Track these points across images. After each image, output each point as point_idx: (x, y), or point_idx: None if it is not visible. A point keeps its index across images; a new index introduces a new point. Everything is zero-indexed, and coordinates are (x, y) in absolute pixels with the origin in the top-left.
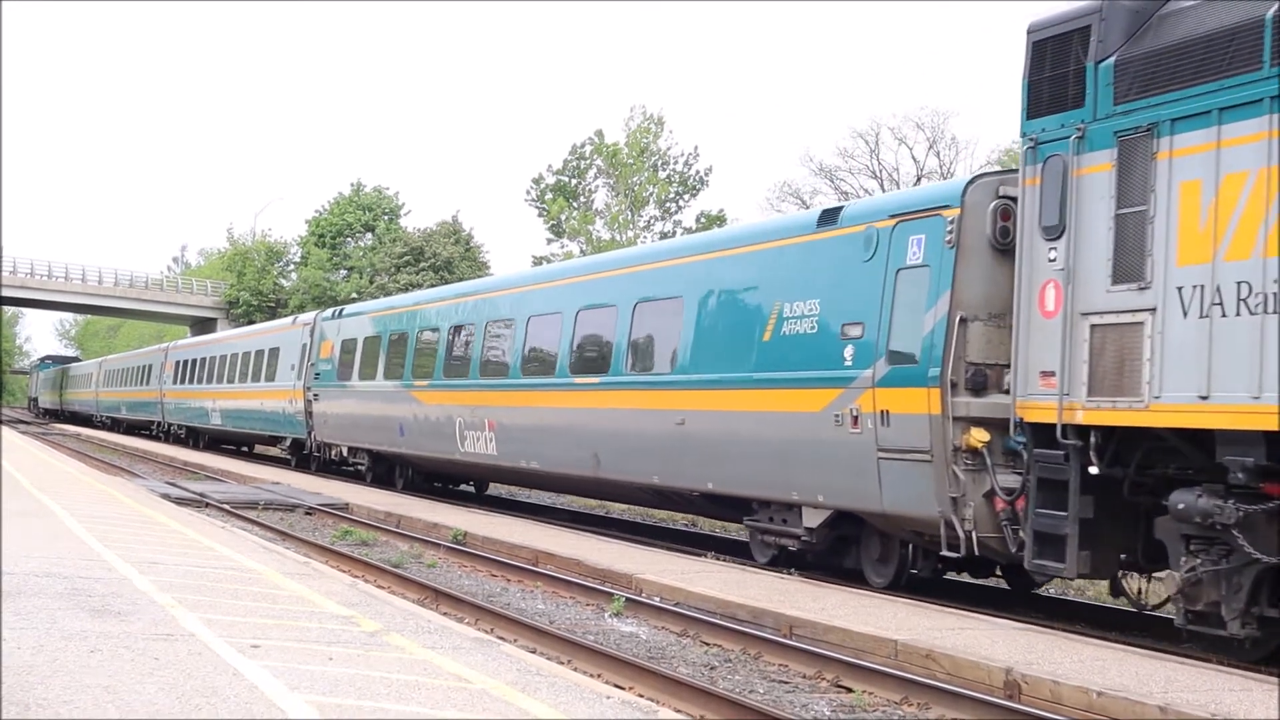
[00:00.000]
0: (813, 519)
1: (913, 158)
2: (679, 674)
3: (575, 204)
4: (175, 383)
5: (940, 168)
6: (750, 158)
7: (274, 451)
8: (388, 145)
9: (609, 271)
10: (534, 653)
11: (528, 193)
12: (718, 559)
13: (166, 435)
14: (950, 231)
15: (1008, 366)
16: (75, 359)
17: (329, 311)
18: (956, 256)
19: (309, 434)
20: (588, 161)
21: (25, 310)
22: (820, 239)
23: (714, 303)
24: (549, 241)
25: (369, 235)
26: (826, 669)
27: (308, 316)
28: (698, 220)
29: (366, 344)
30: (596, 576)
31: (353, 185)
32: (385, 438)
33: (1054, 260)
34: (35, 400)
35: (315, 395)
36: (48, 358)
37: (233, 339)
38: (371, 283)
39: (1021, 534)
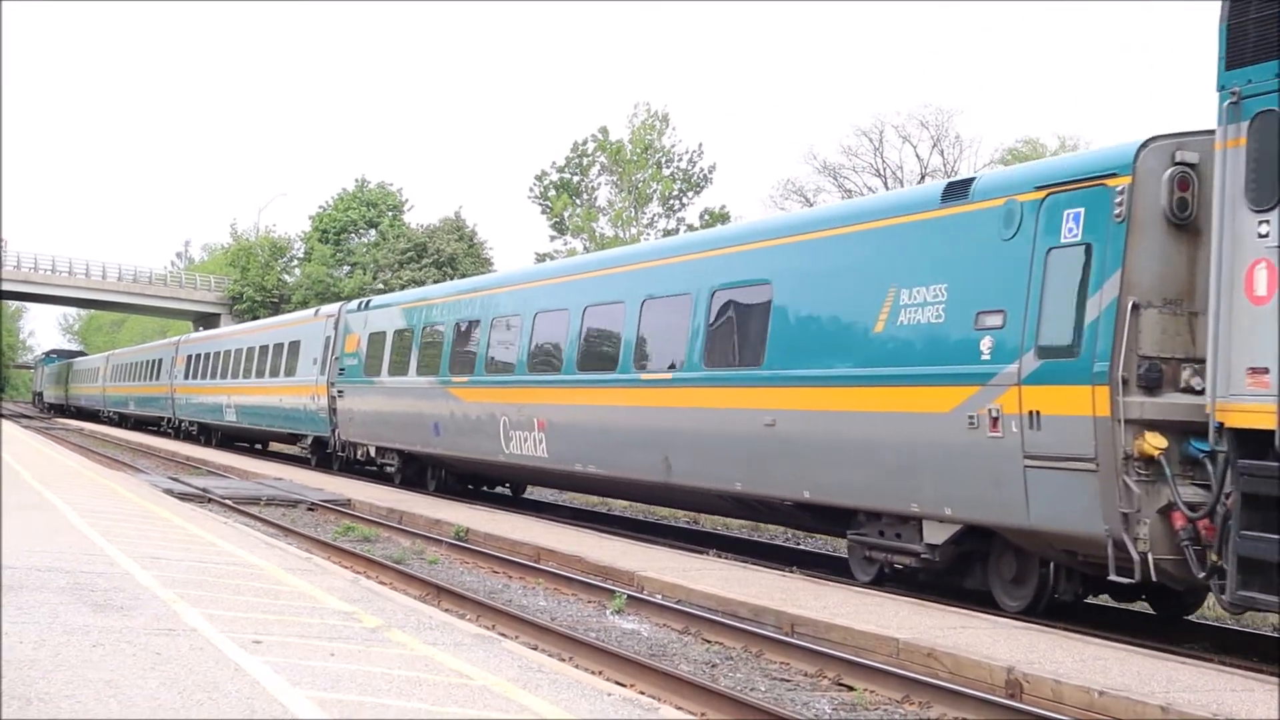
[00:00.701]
0: (936, 534)
1: (916, 156)
2: (680, 671)
3: (579, 201)
4: (187, 377)
5: (944, 166)
6: (754, 155)
7: (292, 450)
8: (392, 141)
9: (680, 256)
10: (535, 650)
11: (531, 189)
12: (719, 556)
13: (177, 432)
14: (1119, 204)
15: (1186, 361)
16: (81, 353)
17: (354, 303)
18: (1128, 232)
19: (332, 432)
20: (591, 158)
21: (28, 305)
22: (947, 215)
23: (811, 290)
24: (552, 239)
25: (372, 231)
26: (828, 667)
27: (331, 308)
28: (701, 217)
29: (397, 337)
30: (598, 573)
31: (357, 181)
32: (418, 437)
33: (1265, 236)
34: (40, 395)
35: (340, 391)
36: (53, 352)
37: (249, 332)
38: (374, 279)
39: (1211, 556)
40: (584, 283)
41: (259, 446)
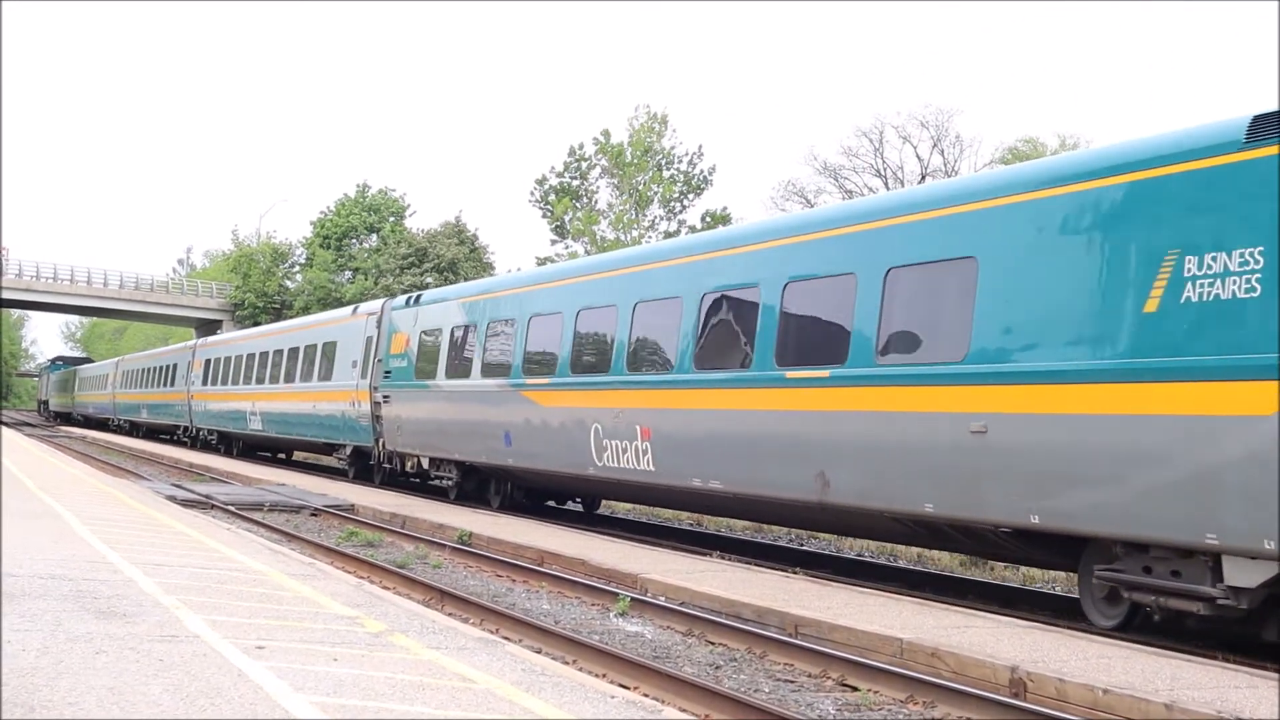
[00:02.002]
0: (1244, 574)
1: (916, 156)
2: (684, 673)
3: (579, 204)
4: (205, 383)
5: (945, 166)
6: (754, 157)
7: (327, 461)
8: (392, 146)
9: (835, 230)
10: (539, 653)
11: (532, 193)
12: (723, 558)
13: (194, 441)
14: None
15: None
16: (88, 360)
17: (401, 299)
18: None
19: (376, 441)
20: (591, 161)
21: (30, 313)
22: (1254, 160)
23: (1036, 263)
24: (553, 242)
25: (374, 237)
26: (832, 668)
27: (373, 305)
28: (703, 220)
29: (455, 335)
30: (601, 576)
31: (358, 187)
32: (482, 447)
33: None
34: (45, 403)
35: (385, 397)
36: (59, 359)
37: (277, 333)
38: (376, 284)
39: None
40: (705, 265)
41: (282, 456)
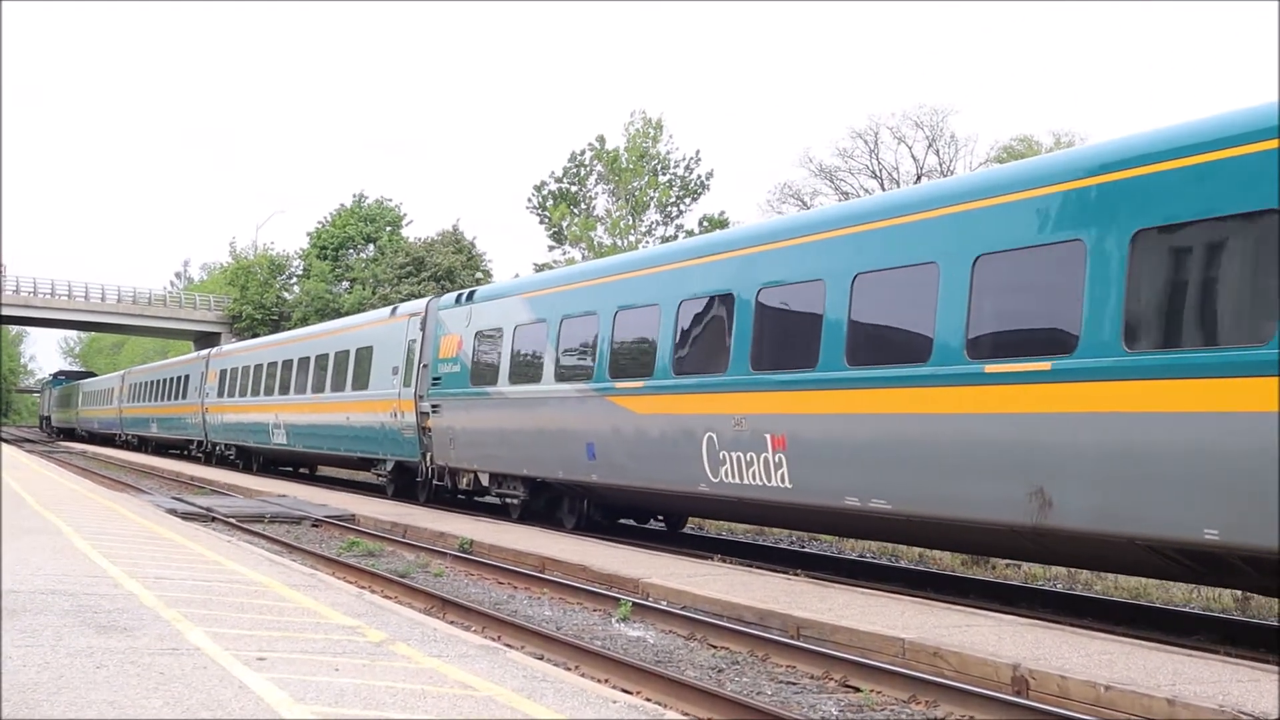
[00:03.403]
0: None
1: (912, 156)
2: (686, 677)
3: (576, 210)
4: (221, 395)
5: (940, 166)
6: (750, 160)
7: (362, 476)
8: (389, 156)
9: (1044, 188)
10: (541, 659)
11: (529, 200)
12: (723, 561)
13: (209, 456)
14: None
15: None
16: (91, 374)
17: (450, 297)
18: None
19: (423, 456)
20: (588, 168)
21: (29, 329)
22: None
23: None
24: (550, 249)
25: (371, 246)
26: (834, 669)
27: (414, 305)
28: (700, 224)
29: (520, 335)
30: (603, 582)
31: (354, 197)
32: (558, 461)
33: None
34: (47, 419)
35: (434, 406)
36: (61, 373)
37: (302, 339)
38: (374, 294)
39: None
40: (859, 239)
41: (304, 471)
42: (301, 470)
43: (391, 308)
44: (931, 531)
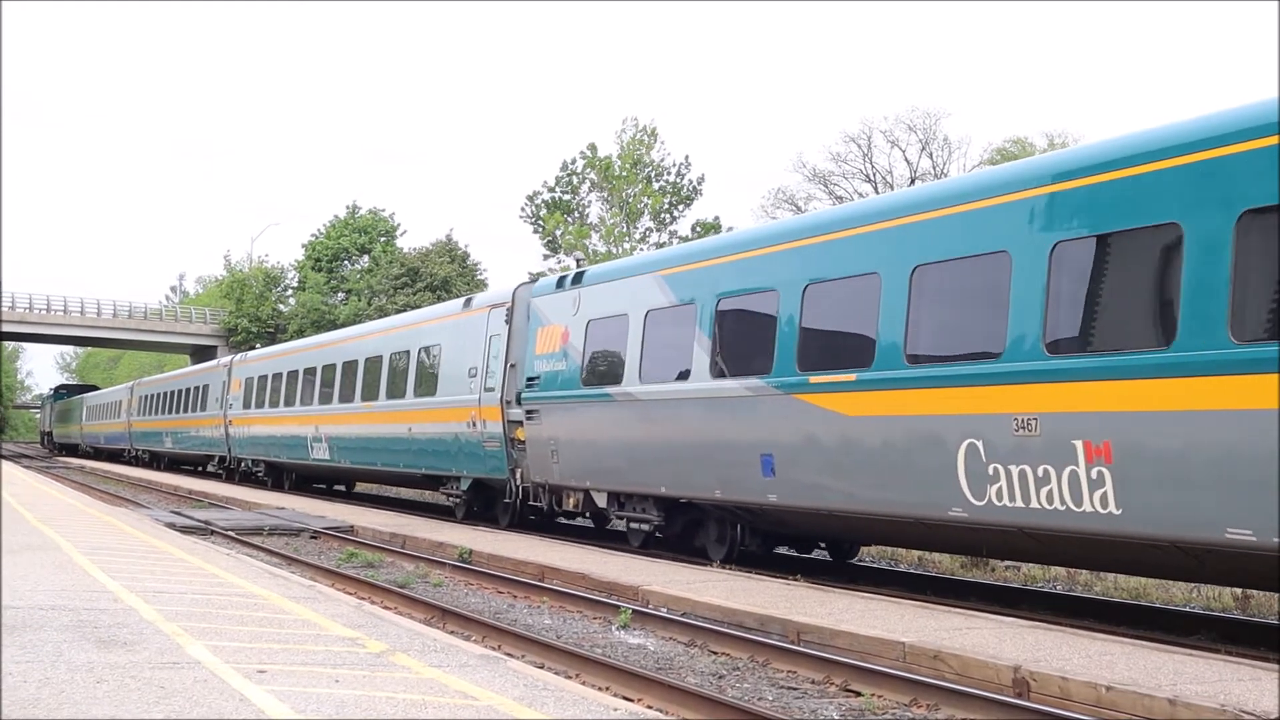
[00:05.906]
0: None
1: (905, 160)
2: (687, 683)
3: (570, 219)
4: (247, 406)
5: (934, 169)
6: (743, 165)
7: (407, 494)
8: (382, 166)
9: None
10: (541, 668)
11: (523, 209)
12: (723, 568)
13: (232, 473)
14: None
15: None
16: (93, 387)
17: (549, 280)
18: None
19: (512, 472)
20: (581, 176)
21: (25, 345)
22: None
23: None
24: (545, 257)
25: (365, 257)
26: (835, 673)
27: (496, 295)
28: (693, 229)
29: (656, 320)
30: (603, 590)
31: (348, 208)
32: (715, 477)
33: None
34: (49, 434)
35: (530, 412)
36: (62, 387)
37: (346, 340)
38: (370, 304)
39: None
40: (1234, 162)
41: (340, 488)
42: (336, 488)
43: (464, 299)
44: None
